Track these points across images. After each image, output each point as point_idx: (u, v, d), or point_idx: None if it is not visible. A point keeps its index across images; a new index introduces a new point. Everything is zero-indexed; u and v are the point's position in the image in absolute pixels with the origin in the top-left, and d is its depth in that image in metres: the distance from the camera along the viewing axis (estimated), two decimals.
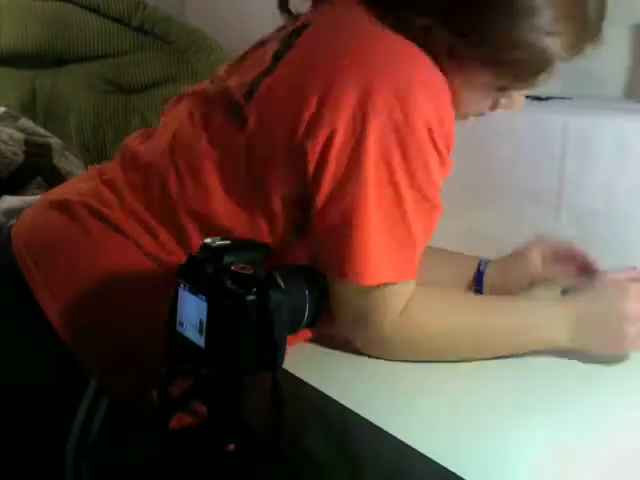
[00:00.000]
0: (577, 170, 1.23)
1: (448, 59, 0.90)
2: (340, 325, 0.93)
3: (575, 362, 0.97)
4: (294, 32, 0.95)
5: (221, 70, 1.06)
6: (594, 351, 0.95)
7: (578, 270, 1.09)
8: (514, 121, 1.33)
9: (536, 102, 1.39)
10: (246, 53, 1.06)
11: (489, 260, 1.16)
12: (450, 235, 1.27)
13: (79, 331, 0.91)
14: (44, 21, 2.09)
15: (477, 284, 1.15)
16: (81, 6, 2.12)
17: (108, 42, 2.12)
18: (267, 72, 0.93)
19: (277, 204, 0.90)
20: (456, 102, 0.91)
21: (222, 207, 0.91)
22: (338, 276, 0.87)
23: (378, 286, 0.88)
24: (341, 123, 0.84)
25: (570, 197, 1.24)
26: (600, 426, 0.82)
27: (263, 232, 0.91)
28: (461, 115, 0.97)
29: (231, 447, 0.72)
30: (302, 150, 0.86)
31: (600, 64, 1.45)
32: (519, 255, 1.14)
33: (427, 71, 0.88)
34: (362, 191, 0.85)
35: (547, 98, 1.41)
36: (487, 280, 1.14)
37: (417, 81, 0.86)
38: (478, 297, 1.09)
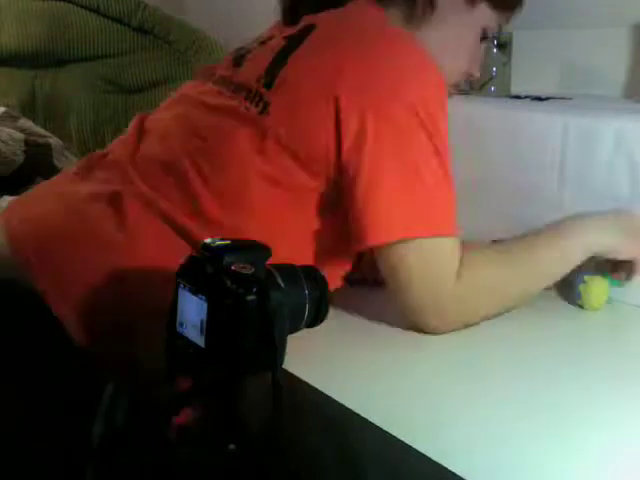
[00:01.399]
0: (577, 170, 1.23)
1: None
2: (407, 299, 0.97)
3: (578, 363, 0.97)
4: (303, 31, 1.01)
5: (220, 70, 1.08)
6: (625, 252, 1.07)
7: None
8: (514, 121, 1.33)
9: (536, 102, 1.39)
10: (242, 53, 1.08)
11: None
12: None
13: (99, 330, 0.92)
14: (44, 21, 2.09)
15: None
16: (81, 6, 2.12)
17: (108, 42, 2.12)
18: (278, 64, 0.99)
19: (309, 184, 0.96)
20: (443, 72, 1.00)
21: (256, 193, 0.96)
22: (408, 233, 0.93)
23: (436, 240, 0.95)
24: (372, 103, 0.93)
25: (570, 197, 1.24)
26: (601, 427, 0.82)
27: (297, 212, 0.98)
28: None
29: (231, 447, 0.72)
30: (338, 128, 0.93)
31: (600, 64, 1.45)
32: None
33: (426, 62, 0.97)
34: (421, 155, 0.94)
35: (547, 98, 1.41)
36: None
37: (426, 71, 0.97)
38: (521, 242, 1.11)
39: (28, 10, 2.10)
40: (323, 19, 1.04)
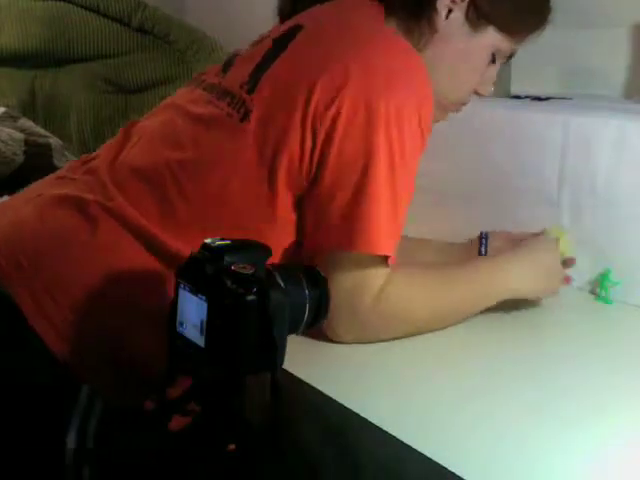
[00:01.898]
0: (577, 170, 1.23)
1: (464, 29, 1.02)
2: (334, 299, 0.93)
3: (576, 362, 0.97)
4: (288, 34, 1.01)
5: (210, 76, 1.08)
6: (540, 296, 1.12)
7: None
8: (514, 121, 1.33)
9: (536, 102, 1.39)
10: (231, 57, 1.09)
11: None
12: (449, 234, 1.28)
13: (77, 340, 0.91)
14: (44, 21, 2.09)
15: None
16: (81, 6, 2.11)
17: (108, 42, 2.12)
18: (262, 67, 0.98)
19: (284, 193, 0.95)
20: (442, 90, 1.02)
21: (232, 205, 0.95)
22: (347, 245, 0.93)
23: (376, 258, 0.95)
24: (346, 104, 0.92)
25: (570, 197, 1.24)
26: (601, 426, 0.83)
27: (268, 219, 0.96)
28: (440, 109, 1.05)
29: (231, 447, 0.72)
30: (312, 130, 0.93)
31: (600, 64, 1.45)
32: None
33: (416, 71, 0.97)
34: (373, 167, 0.92)
35: (547, 98, 1.41)
36: None
37: (411, 81, 0.96)
38: (446, 267, 1.13)
39: (28, 10, 2.10)
40: (311, 18, 1.03)
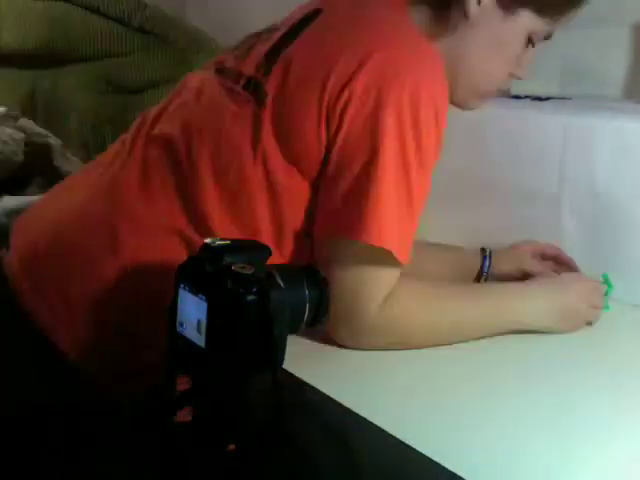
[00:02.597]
0: (577, 170, 1.23)
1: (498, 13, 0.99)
2: (333, 295, 0.90)
3: (579, 366, 0.97)
4: (306, 18, 1.00)
5: (227, 60, 1.07)
6: (555, 332, 1.06)
7: (557, 269, 1.22)
8: (514, 121, 1.33)
9: (536, 102, 1.39)
10: (252, 42, 1.07)
11: (492, 250, 1.23)
12: (450, 234, 1.28)
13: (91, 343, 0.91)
14: (44, 21, 2.09)
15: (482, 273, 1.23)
16: (81, 6, 2.11)
17: (108, 42, 2.12)
18: (278, 49, 0.97)
19: (299, 178, 0.94)
20: (476, 77, 1.01)
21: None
22: (348, 232, 0.89)
23: (378, 254, 0.90)
24: (359, 89, 0.90)
25: (570, 197, 1.24)
26: (602, 428, 0.82)
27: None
28: (476, 96, 1.04)
29: (231, 447, 0.72)
30: (326, 114, 0.91)
31: (600, 64, 1.45)
32: (512, 250, 1.24)
33: (431, 63, 0.94)
34: (379, 155, 0.89)
35: (547, 98, 1.41)
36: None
37: (426, 72, 0.93)
38: (458, 285, 1.12)
39: (28, 10, 2.10)
40: (329, 3, 1.02)
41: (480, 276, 1.22)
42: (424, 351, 0.99)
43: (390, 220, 0.90)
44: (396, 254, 0.91)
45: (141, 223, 0.95)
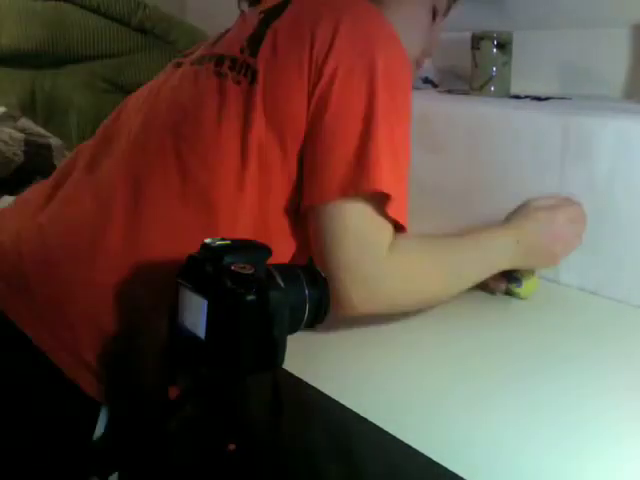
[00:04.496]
0: (577, 170, 1.23)
1: None
2: (332, 259, 0.92)
3: (576, 362, 0.97)
4: (280, 5, 1.03)
5: (195, 54, 1.09)
6: (535, 268, 1.17)
7: None
8: (514, 121, 1.33)
9: (536, 102, 1.39)
10: (217, 36, 1.11)
11: None
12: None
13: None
14: (44, 21, 2.09)
15: None
16: (81, 6, 2.12)
17: (108, 42, 2.12)
18: (259, 33, 0.99)
19: (294, 150, 0.94)
20: None
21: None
22: (351, 188, 0.90)
23: (377, 203, 0.92)
24: (344, 55, 0.93)
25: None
26: (602, 428, 0.83)
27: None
28: None
29: (231, 447, 0.72)
30: (312, 80, 0.93)
31: (600, 64, 1.45)
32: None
33: (394, 33, 1.00)
34: (374, 115, 0.92)
35: (547, 98, 1.42)
36: None
37: (394, 40, 0.99)
38: (449, 236, 1.11)
39: (28, 10, 2.10)
40: None
41: None
42: (424, 351, 0.99)
43: (387, 172, 0.92)
44: (393, 203, 0.92)
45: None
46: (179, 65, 1.10)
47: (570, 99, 1.41)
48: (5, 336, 0.90)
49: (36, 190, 1.09)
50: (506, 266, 1.10)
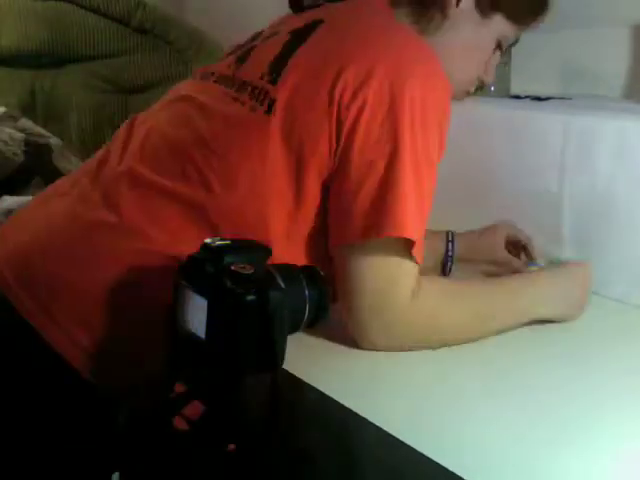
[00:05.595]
0: (577, 170, 1.23)
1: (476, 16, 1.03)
2: (357, 301, 0.93)
3: (579, 367, 0.97)
4: (309, 25, 1.00)
5: (221, 68, 1.07)
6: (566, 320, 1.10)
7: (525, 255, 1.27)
8: (514, 121, 1.33)
9: (536, 102, 1.39)
10: (244, 50, 1.07)
11: (455, 233, 1.26)
12: None
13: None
14: (44, 21, 2.09)
15: (447, 257, 1.26)
16: (81, 6, 2.12)
17: (108, 42, 2.12)
18: (283, 58, 0.98)
19: (313, 183, 0.94)
20: (451, 78, 0.99)
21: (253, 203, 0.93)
22: (375, 230, 0.90)
23: (403, 248, 0.92)
24: (372, 94, 0.91)
25: (570, 197, 1.24)
26: (603, 429, 0.83)
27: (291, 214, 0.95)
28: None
29: (231, 447, 0.72)
30: (339, 119, 0.92)
31: (600, 64, 1.45)
32: (486, 235, 1.27)
33: (435, 64, 0.96)
34: (399, 155, 0.91)
35: (547, 98, 1.41)
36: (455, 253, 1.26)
37: (432, 74, 0.95)
38: (478, 280, 1.14)
39: (28, 10, 2.10)
40: (331, 13, 1.03)
41: (445, 262, 1.26)
42: (425, 351, 0.99)
43: (412, 215, 0.91)
44: (416, 247, 0.92)
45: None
46: (206, 77, 1.08)
47: (570, 99, 1.41)
48: (9, 324, 0.92)
49: (65, 183, 1.10)
50: (543, 313, 1.07)
